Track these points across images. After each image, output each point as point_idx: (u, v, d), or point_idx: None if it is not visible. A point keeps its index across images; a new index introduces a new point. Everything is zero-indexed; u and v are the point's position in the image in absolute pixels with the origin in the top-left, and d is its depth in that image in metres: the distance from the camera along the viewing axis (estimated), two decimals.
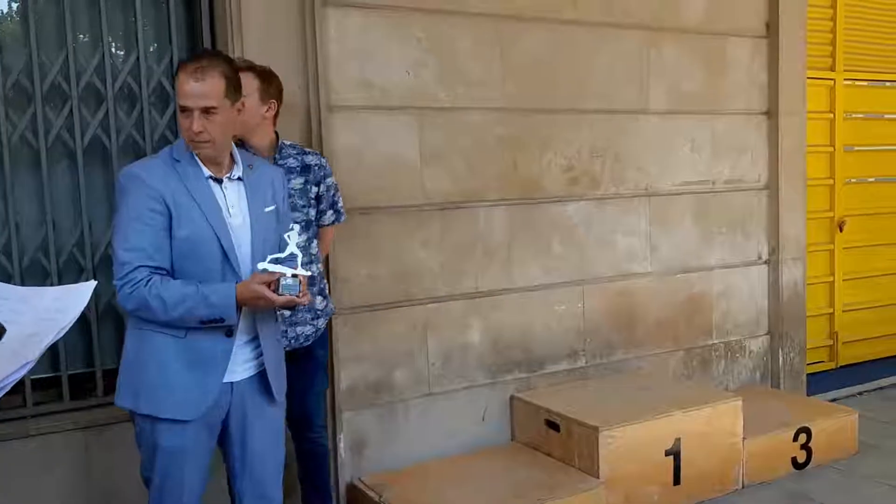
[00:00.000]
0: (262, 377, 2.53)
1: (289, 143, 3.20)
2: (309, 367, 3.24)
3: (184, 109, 2.34)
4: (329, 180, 3.20)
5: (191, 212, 2.34)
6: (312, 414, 3.29)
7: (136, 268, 2.28)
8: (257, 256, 2.40)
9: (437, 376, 4.02)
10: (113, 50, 3.43)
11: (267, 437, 2.58)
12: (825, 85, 5.65)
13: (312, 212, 3.16)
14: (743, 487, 4.09)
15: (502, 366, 4.22)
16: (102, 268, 3.36)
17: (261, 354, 2.51)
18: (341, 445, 3.75)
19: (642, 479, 3.79)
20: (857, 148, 5.86)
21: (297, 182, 3.10)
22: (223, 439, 2.55)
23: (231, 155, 2.49)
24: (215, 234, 2.37)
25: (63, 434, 3.23)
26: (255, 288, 2.32)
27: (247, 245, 2.44)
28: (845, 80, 5.75)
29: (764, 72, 5.03)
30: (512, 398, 4.23)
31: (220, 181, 2.43)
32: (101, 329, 3.40)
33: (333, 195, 3.23)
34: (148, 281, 2.28)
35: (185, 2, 3.55)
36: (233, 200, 2.44)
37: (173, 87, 3.44)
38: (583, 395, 4.22)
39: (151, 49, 3.51)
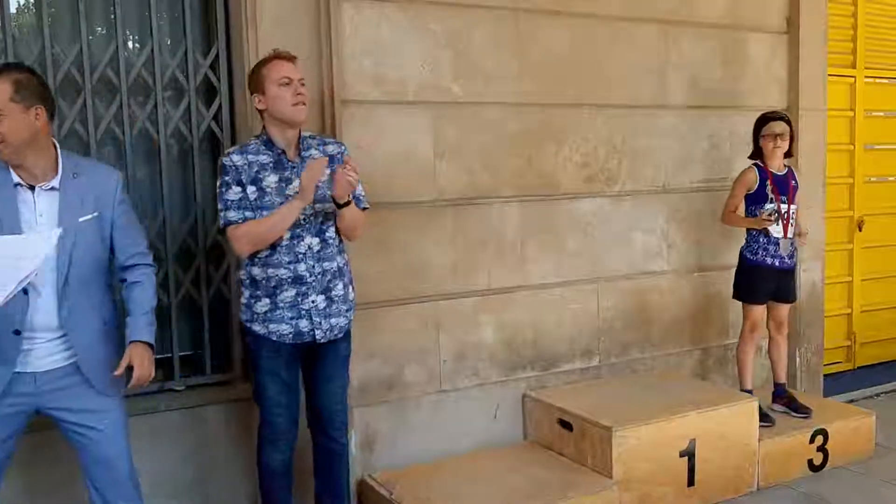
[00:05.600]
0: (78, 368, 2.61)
1: (308, 134, 3.23)
2: (332, 361, 3.22)
3: None
4: None
5: None
6: (333, 410, 3.25)
7: None
8: (74, 263, 2.50)
9: (449, 373, 4.00)
10: (129, 44, 3.42)
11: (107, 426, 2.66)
12: (846, 82, 5.58)
13: None
14: (758, 489, 4.04)
15: (515, 364, 4.19)
16: None
17: (70, 347, 2.57)
18: (352, 442, 3.71)
19: (656, 480, 3.75)
20: (877, 146, 5.78)
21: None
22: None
23: (57, 162, 2.55)
24: None
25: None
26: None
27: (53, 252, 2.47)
28: (866, 77, 5.67)
29: (784, 68, 4.97)
30: (524, 396, 4.20)
31: (32, 188, 2.50)
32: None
33: None
34: None
35: None
36: (42, 209, 2.51)
37: (187, 80, 3.47)
38: (596, 394, 4.18)
39: (167, 42, 3.49)
